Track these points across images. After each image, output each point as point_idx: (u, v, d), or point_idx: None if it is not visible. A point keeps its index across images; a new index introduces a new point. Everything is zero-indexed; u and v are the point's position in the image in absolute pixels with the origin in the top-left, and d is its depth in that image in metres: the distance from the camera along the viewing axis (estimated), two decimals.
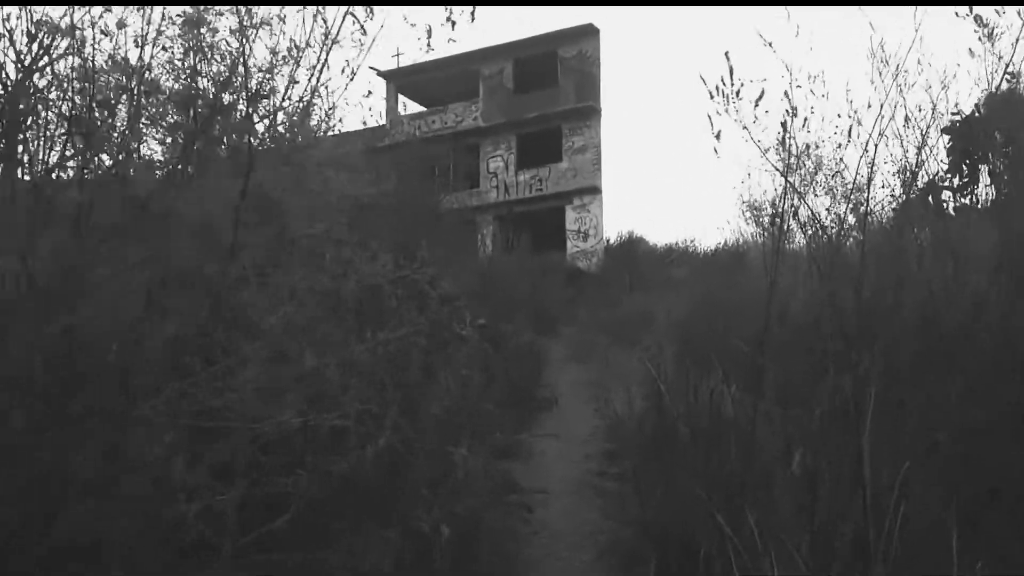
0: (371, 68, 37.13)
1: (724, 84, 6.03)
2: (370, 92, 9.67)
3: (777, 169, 7.14)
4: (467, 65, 34.64)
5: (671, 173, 61.52)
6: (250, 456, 3.84)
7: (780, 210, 8.35)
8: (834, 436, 4.79)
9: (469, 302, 8.26)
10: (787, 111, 6.26)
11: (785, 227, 7.42)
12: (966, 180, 16.37)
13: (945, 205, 15.33)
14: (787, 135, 6.24)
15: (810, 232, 9.41)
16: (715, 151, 6.24)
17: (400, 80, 36.48)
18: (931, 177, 16.04)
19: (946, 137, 17.17)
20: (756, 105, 6.03)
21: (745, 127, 6.12)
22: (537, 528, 6.38)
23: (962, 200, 15.41)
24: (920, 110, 8.61)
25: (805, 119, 6.57)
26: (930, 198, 15.61)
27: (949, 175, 16.97)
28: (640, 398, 8.57)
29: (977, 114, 16.62)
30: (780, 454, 5.00)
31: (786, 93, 6.18)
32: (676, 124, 65.14)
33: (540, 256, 25.13)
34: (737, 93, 6.00)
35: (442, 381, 5.32)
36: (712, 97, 6.02)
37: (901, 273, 6.65)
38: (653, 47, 69.93)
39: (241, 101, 6.24)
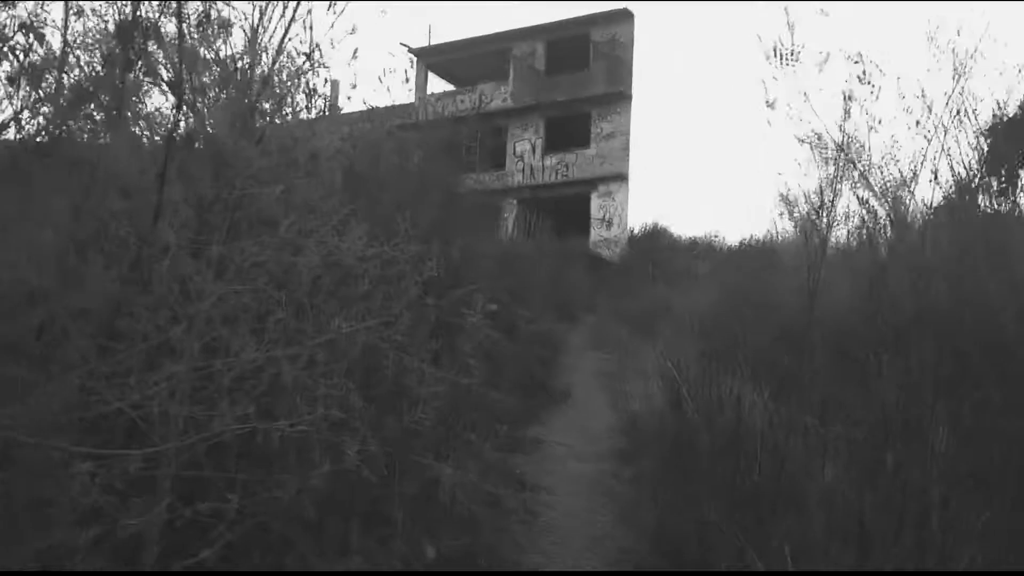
0: (401, 44, 36.80)
1: (782, 45, 5.33)
2: (390, 69, 8.88)
3: (840, 147, 6.48)
4: (498, 45, 34.19)
5: (699, 165, 60.55)
6: (174, 471, 3.20)
7: (827, 199, 7.76)
8: (880, 454, 4.29)
9: (485, 285, 7.81)
10: (852, 83, 5.63)
11: (829, 219, 6.84)
12: (1003, 184, 15.71)
13: (980, 208, 14.67)
14: (849, 108, 5.64)
15: (859, 222, 8.89)
16: (768, 123, 5.61)
17: (430, 58, 36.07)
18: (966, 177, 15.38)
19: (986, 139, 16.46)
20: (820, 70, 5.34)
21: (805, 94, 5.48)
22: (541, 531, 5.92)
23: (1000, 204, 14.76)
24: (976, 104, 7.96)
25: (872, 88, 5.90)
26: (967, 198, 14.97)
27: (987, 177, 16.29)
28: (659, 395, 8.08)
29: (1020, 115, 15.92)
30: (815, 471, 4.51)
31: (856, 58, 5.51)
32: (708, 115, 64.11)
33: (563, 242, 24.63)
34: (795, 55, 5.34)
35: (431, 378, 4.75)
36: (768, 59, 5.36)
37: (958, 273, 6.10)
38: (688, 33, 68.77)
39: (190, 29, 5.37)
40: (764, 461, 4.74)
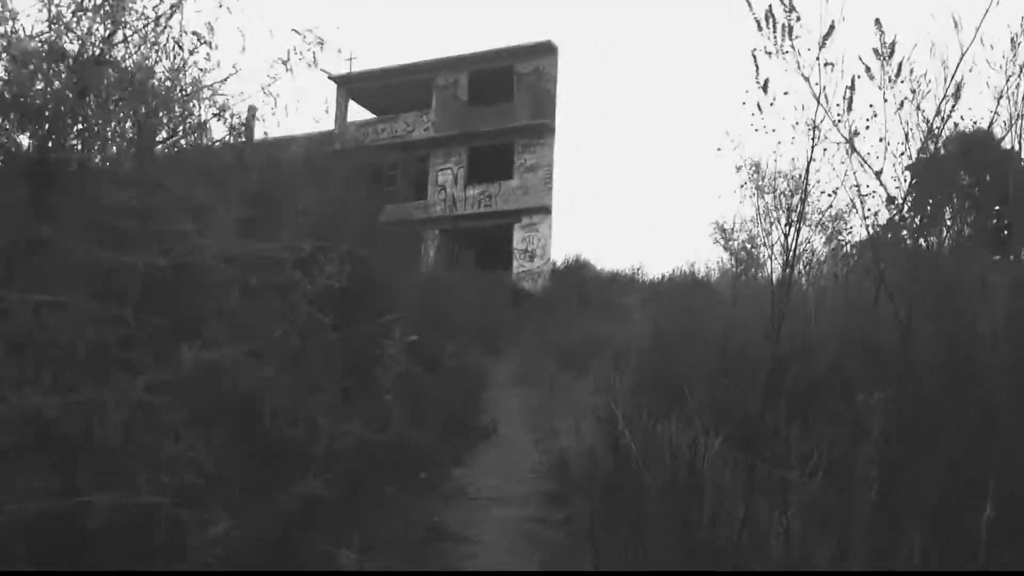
0: (322, 71, 36.02)
1: (777, 12, 4.72)
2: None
3: (846, 139, 5.97)
4: (422, 74, 33.83)
5: (622, 198, 61.14)
6: None
7: (794, 217, 7.34)
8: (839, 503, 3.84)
9: (406, 314, 7.19)
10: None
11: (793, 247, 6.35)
12: (927, 221, 15.88)
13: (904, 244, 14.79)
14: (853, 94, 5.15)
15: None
16: (758, 107, 4.99)
17: (351, 85, 35.37)
18: (895, 213, 15.48)
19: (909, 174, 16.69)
20: (823, 46, 4.79)
21: (805, 77, 4.93)
22: None
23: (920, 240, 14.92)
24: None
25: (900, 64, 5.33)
26: (890, 235, 15.09)
27: (911, 213, 16.49)
28: (591, 432, 7.55)
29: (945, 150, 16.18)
30: (776, 523, 4.03)
31: (880, 25, 4.97)
32: (631, 148, 65.00)
33: (486, 274, 24.15)
34: (789, 30, 4.77)
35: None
36: (760, 29, 4.78)
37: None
38: (612, 64, 69.78)
39: None
40: (720, 509, 4.25)
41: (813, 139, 5.13)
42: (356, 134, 33.72)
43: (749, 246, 9.32)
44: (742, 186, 12.42)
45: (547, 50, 32.39)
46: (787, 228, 6.71)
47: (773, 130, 5.27)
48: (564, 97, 36.29)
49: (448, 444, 8.31)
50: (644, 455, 5.55)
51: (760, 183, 9.90)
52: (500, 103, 32.40)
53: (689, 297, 13.42)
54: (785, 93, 5.05)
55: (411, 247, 25.66)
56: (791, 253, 5.60)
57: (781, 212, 8.22)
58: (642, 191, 63.67)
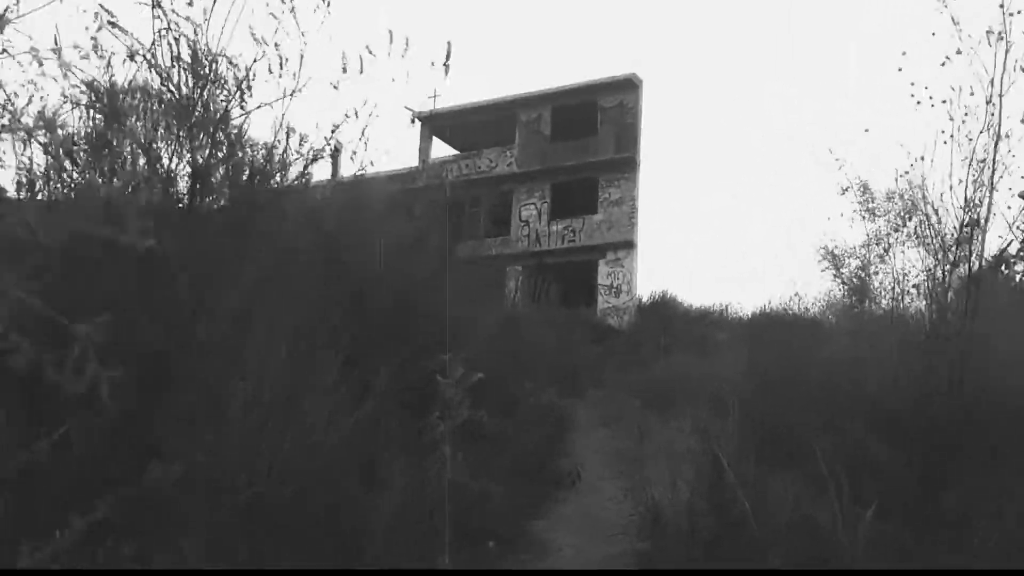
0: (406, 108, 36.29)
1: None
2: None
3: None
4: (504, 111, 33.72)
5: (708, 233, 59.65)
6: None
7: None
8: None
9: (470, 356, 6.56)
10: None
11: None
12: None
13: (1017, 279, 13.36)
14: None
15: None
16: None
17: (435, 123, 35.52)
18: (1002, 247, 14.08)
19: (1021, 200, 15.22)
20: None
21: None
22: None
23: None
24: None
25: None
26: (1003, 269, 13.67)
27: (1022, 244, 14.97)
28: (687, 483, 6.71)
29: None
30: None
31: None
32: (717, 181, 63.55)
33: (569, 310, 23.44)
34: None
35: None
36: None
37: None
38: (697, 98, 68.60)
39: None
40: None
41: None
42: (439, 171, 33.75)
43: (862, 274, 8.46)
44: (854, 210, 11.41)
45: (630, 84, 31.87)
46: (966, 236, 5.89)
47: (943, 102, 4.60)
48: (648, 130, 35.71)
49: (526, 493, 7.59)
50: (757, 513, 4.73)
51: (870, 204, 9.00)
52: (583, 138, 31.96)
53: (791, 333, 12.36)
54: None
55: (493, 284, 25.21)
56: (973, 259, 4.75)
57: (898, 234, 7.34)
58: (731, 223, 62.00)
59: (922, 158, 6.94)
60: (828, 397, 6.58)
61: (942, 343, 5.03)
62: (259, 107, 8.10)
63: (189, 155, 7.33)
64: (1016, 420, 5.09)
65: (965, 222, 6.67)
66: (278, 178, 9.29)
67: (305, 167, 9.55)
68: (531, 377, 11.70)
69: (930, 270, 6.86)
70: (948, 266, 7.05)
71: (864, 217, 10.27)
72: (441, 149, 36.90)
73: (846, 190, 11.47)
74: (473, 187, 31.61)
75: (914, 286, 7.38)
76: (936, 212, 6.87)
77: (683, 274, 58.97)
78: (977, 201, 6.74)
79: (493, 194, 31.89)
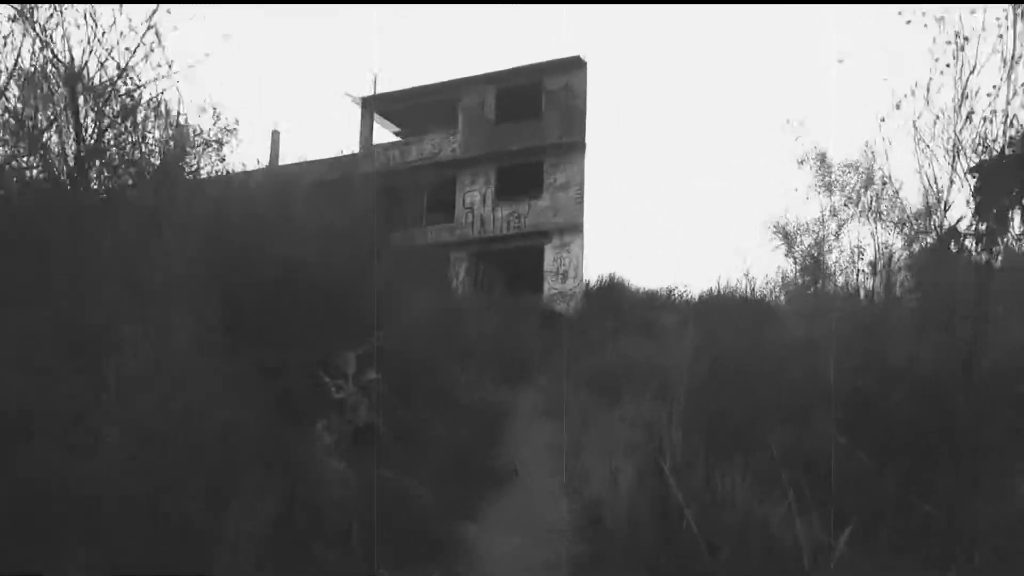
0: (346, 93, 35.21)
1: None
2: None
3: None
4: (447, 94, 32.89)
5: (656, 215, 59.47)
6: None
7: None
8: None
9: (419, 344, 5.98)
10: None
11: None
12: (993, 228, 14.19)
13: (968, 255, 13.13)
14: None
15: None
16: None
17: (376, 107, 34.57)
18: (952, 223, 13.83)
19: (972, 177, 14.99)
20: None
21: None
22: None
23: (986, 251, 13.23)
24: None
25: None
26: (951, 246, 13.43)
27: (976, 220, 14.77)
28: (630, 480, 6.20)
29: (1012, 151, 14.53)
30: None
31: None
32: (664, 163, 63.36)
33: (515, 296, 22.92)
34: None
35: None
36: None
37: None
38: (643, 78, 68.30)
39: None
40: None
41: None
42: (381, 156, 32.87)
43: (815, 253, 8.03)
44: (809, 184, 10.90)
45: (576, 65, 31.30)
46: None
47: None
48: (594, 113, 35.26)
49: (458, 494, 7.00)
50: (703, 517, 4.21)
51: (827, 178, 8.55)
52: (529, 121, 31.35)
53: (740, 315, 11.92)
54: None
55: (435, 270, 24.53)
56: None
57: (853, 208, 6.93)
58: (680, 206, 61.84)
59: (883, 119, 6.53)
60: (782, 385, 6.11)
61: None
62: (159, 78, 7.46)
63: (74, 132, 6.68)
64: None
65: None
66: (188, 159, 8.68)
67: (219, 145, 8.92)
68: (472, 366, 11.13)
69: (886, 246, 6.45)
70: (906, 241, 6.65)
71: (819, 191, 9.85)
72: (384, 136, 35.99)
73: (803, 162, 11.04)
74: (416, 172, 30.85)
75: (869, 263, 6.98)
76: (894, 182, 6.47)
77: (631, 256, 58.74)
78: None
79: (436, 179, 31.18)
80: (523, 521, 6.96)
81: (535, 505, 7.48)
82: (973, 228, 14.31)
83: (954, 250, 13.33)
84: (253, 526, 3.11)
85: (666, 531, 4.75)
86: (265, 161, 32.22)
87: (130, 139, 7.67)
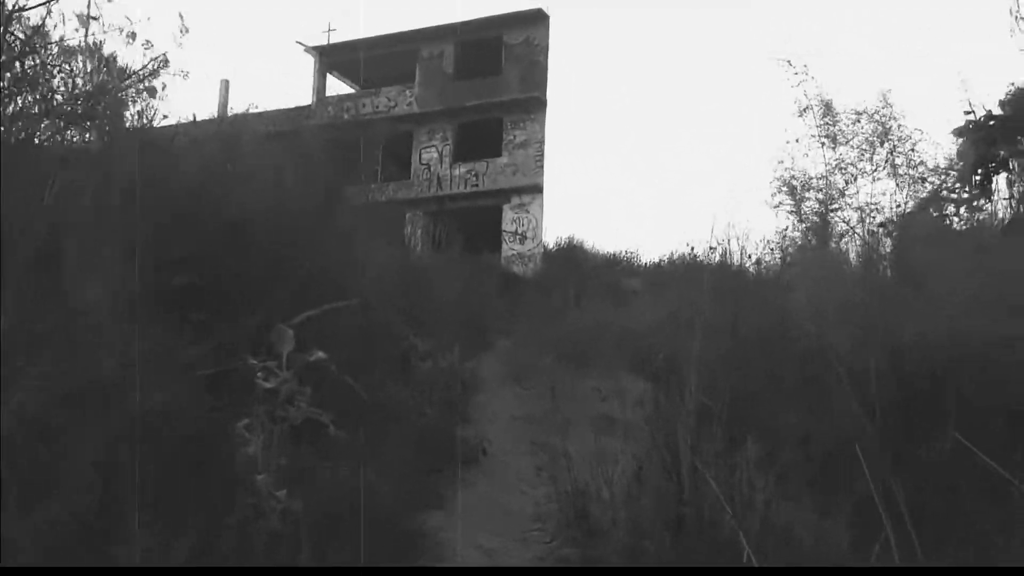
0: (298, 42, 33.65)
1: None
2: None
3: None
4: (405, 45, 31.62)
5: (618, 175, 58.75)
6: None
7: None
8: None
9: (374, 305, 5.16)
10: None
11: None
12: (976, 192, 13.71)
13: (949, 220, 12.64)
14: None
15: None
16: None
17: (330, 58, 33.15)
18: (935, 187, 13.24)
19: (956, 139, 14.42)
20: None
21: None
22: None
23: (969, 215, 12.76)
24: None
25: None
26: (931, 211, 12.92)
27: (958, 185, 14.26)
28: (619, 461, 5.46)
29: (1001, 112, 13.99)
30: None
31: None
32: (627, 123, 62.47)
33: (473, 257, 22.05)
34: None
35: None
36: None
37: None
38: (606, 36, 66.95)
39: None
40: None
41: None
42: (335, 109, 31.52)
43: (822, 209, 7.34)
44: (812, 135, 10.04)
45: (538, 18, 30.22)
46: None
47: None
48: (556, 69, 34.26)
49: (419, 479, 6.18)
50: (721, 523, 3.46)
51: (833, 127, 7.80)
52: (488, 76, 30.25)
53: (714, 277, 11.15)
54: None
55: (391, 229, 23.48)
56: None
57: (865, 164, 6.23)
58: (651, 165, 61.01)
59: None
60: (796, 361, 5.39)
61: None
62: None
63: None
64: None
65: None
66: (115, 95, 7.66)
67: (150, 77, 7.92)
68: (431, 331, 10.29)
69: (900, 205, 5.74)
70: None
71: (823, 143, 9.13)
72: (338, 88, 34.51)
73: (805, 110, 10.23)
74: (371, 127, 29.60)
75: (881, 224, 6.30)
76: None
77: (593, 218, 57.99)
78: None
79: (392, 134, 29.98)
80: (496, 511, 6.17)
81: (508, 491, 6.71)
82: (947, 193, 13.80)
83: (935, 214, 12.85)
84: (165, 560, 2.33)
85: (672, 531, 4.01)
86: (214, 111, 30.78)
87: (47, 75, 6.66)
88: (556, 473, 6.12)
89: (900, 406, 4.70)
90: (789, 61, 12.04)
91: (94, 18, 6.53)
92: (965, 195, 12.82)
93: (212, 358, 3.44)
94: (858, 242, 6.99)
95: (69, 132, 6.90)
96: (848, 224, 7.09)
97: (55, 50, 6.96)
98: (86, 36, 6.57)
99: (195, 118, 14.15)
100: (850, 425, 4.22)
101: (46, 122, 6.61)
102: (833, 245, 7.43)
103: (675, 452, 4.13)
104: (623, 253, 28.68)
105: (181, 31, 7.35)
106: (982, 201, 12.50)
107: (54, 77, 6.85)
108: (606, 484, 5.03)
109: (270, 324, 3.50)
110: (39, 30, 6.44)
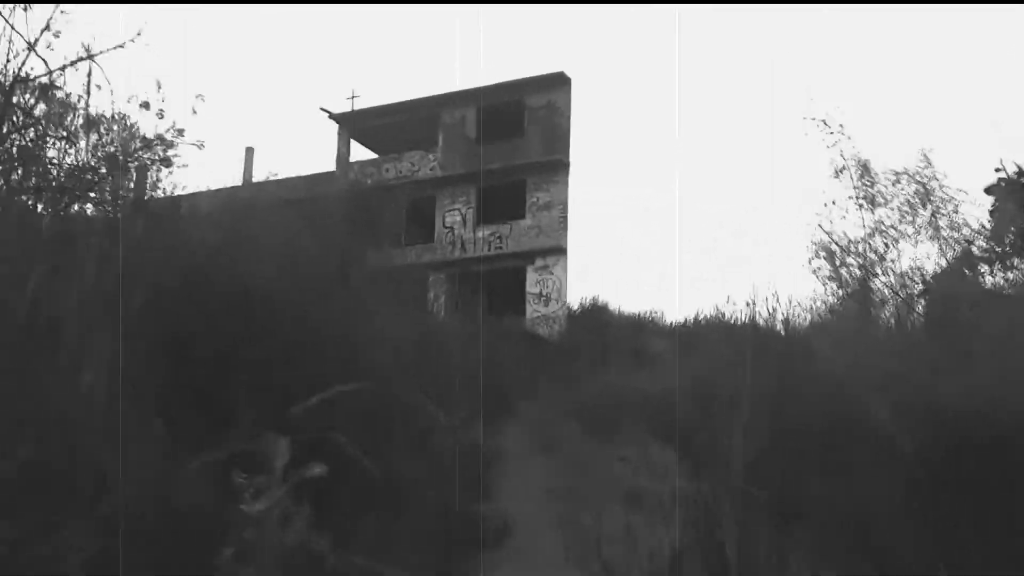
0: (322, 109, 34.06)
1: None
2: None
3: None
4: (427, 111, 31.90)
5: (640, 237, 58.62)
6: None
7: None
8: None
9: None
10: None
11: None
12: (1008, 250, 13.31)
13: (983, 279, 12.23)
14: None
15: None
16: None
17: (353, 124, 33.52)
18: (966, 244, 12.84)
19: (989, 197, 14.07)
20: None
21: None
22: None
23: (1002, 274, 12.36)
24: None
25: None
26: (965, 270, 12.54)
27: (991, 243, 13.85)
28: (655, 541, 5.10)
29: None
30: None
31: None
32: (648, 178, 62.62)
33: (497, 320, 21.82)
34: None
35: None
36: None
37: None
38: (627, 97, 67.43)
39: None
40: None
41: None
42: (357, 174, 31.79)
43: (862, 274, 7.08)
44: (849, 196, 9.77)
45: (559, 82, 30.46)
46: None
47: None
48: (579, 131, 34.43)
49: (435, 564, 5.83)
50: None
51: (871, 189, 7.56)
52: (511, 139, 30.40)
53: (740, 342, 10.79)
54: None
55: (414, 294, 23.34)
56: None
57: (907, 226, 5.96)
58: (672, 227, 60.74)
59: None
60: (828, 432, 5.03)
61: None
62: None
63: None
64: None
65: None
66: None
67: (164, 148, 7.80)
68: (451, 400, 10.00)
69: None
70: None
71: (861, 205, 8.85)
72: (361, 153, 34.88)
73: (841, 171, 9.94)
74: (394, 192, 29.78)
75: (925, 290, 6.00)
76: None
77: (618, 279, 57.64)
78: None
79: (415, 198, 30.13)
80: None
81: None
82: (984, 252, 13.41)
83: (968, 273, 12.47)
84: None
85: None
86: (238, 180, 31.09)
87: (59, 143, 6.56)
88: (583, 556, 5.75)
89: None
90: (824, 121, 11.82)
91: (98, 86, 6.48)
92: (997, 252, 12.47)
93: (204, 471, 3.17)
94: (900, 310, 6.66)
95: (66, 204, 6.78)
96: (891, 290, 6.80)
97: (56, 119, 6.91)
98: (87, 107, 6.52)
99: (208, 188, 14.19)
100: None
101: (46, 196, 6.51)
102: (873, 312, 7.12)
103: (721, 550, 3.78)
104: (648, 314, 28.29)
105: (197, 98, 7.31)
106: (1016, 260, 12.14)
107: (51, 148, 6.77)
108: (639, 572, 4.68)
109: (252, 435, 3.22)
110: (46, 91, 6.35)
